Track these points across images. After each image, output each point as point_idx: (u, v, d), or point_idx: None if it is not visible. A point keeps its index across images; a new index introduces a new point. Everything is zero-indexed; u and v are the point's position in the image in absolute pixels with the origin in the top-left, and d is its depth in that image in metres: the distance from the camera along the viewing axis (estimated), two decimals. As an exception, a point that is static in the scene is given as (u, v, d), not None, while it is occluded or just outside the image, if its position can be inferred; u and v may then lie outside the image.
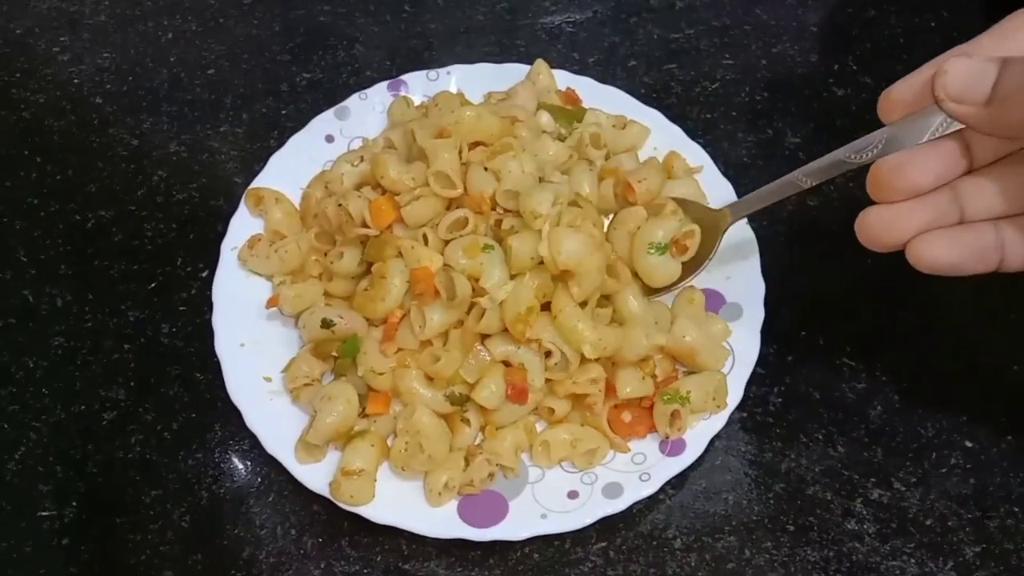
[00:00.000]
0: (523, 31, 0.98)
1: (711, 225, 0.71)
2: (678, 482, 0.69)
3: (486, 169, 0.70)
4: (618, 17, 0.99)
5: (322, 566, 0.68)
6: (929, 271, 0.53)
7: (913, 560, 0.67)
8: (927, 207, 0.53)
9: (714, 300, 0.75)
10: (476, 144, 0.74)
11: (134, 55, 0.97)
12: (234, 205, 0.81)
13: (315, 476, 0.68)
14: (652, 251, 0.69)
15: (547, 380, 0.69)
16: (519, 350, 0.68)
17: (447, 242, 0.69)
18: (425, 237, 0.70)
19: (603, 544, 0.68)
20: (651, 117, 0.84)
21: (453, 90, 0.85)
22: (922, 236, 0.53)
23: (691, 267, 0.71)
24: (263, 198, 0.79)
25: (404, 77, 0.87)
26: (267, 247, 0.76)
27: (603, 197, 0.74)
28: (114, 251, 0.83)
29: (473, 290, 0.67)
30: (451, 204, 0.71)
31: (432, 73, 0.87)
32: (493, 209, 0.70)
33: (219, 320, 0.74)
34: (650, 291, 0.72)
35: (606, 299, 0.71)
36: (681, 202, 0.73)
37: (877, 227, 0.53)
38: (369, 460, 0.67)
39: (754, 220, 0.79)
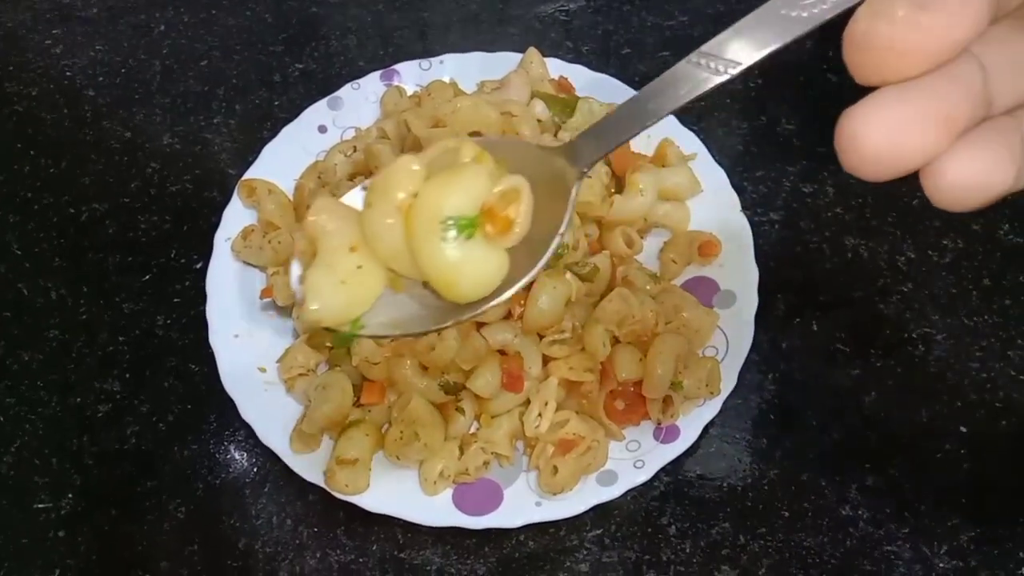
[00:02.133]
0: (516, 20, 0.97)
1: (549, 175, 0.40)
2: (672, 469, 0.69)
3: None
4: (611, 5, 0.99)
5: (318, 555, 0.68)
6: (965, 205, 0.28)
7: (908, 545, 0.67)
8: (951, 91, 0.27)
9: (707, 287, 0.76)
10: (474, 134, 0.74)
11: (127, 47, 0.97)
12: (227, 196, 0.81)
13: (310, 466, 0.68)
14: (448, 235, 0.39)
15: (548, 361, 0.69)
16: (515, 338, 0.68)
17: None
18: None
19: (598, 531, 0.68)
20: (644, 105, 0.84)
21: (446, 79, 0.85)
22: (960, 146, 0.28)
23: (526, 255, 0.41)
24: (256, 189, 0.79)
25: (397, 67, 0.87)
26: (260, 238, 0.76)
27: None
28: (108, 243, 0.83)
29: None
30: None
31: (425, 62, 0.87)
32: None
33: (213, 311, 0.75)
34: (455, 309, 0.42)
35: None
36: (488, 143, 0.43)
37: (875, 138, 0.27)
38: (364, 449, 0.67)
39: (748, 207, 0.79)
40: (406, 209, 0.39)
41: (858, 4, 0.27)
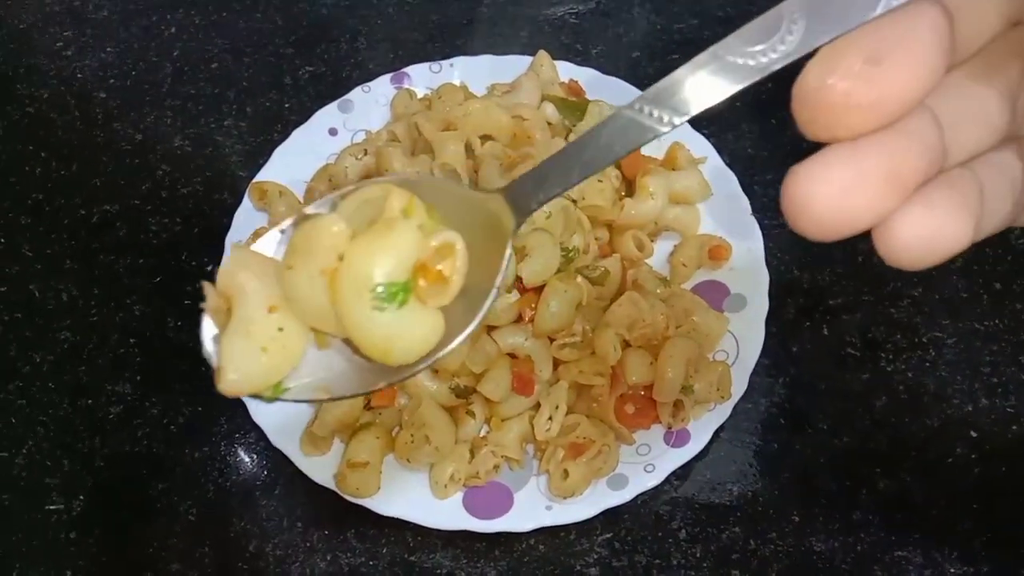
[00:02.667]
0: (526, 22, 0.97)
1: (485, 222, 0.37)
2: (683, 473, 0.69)
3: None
4: (621, 7, 0.98)
5: (328, 558, 0.68)
6: (920, 264, 0.27)
7: (919, 550, 0.67)
8: (902, 147, 0.26)
9: (718, 291, 0.75)
10: (486, 138, 0.74)
11: (137, 49, 0.97)
12: (238, 199, 0.81)
13: (321, 469, 0.68)
14: (379, 304, 0.35)
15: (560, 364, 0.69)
16: (526, 341, 0.68)
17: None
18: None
19: (608, 535, 0.68)
20: (654, 108, 0.84)
21: (456, 82, 0.85)
22: (912, 205, 0.26)
23: (462, 308, 0.37)
24: (267, 192, 0.79)
25: (407, 70, 0.87)
26: (271, 241, 0.76)
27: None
28: (119, 246, 0.83)
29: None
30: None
31: (435, 65, 0.87)
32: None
33: (224, 314, 0.74)
34: (386, 370, 0.38)
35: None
36: (417, 184, 0.38)
37: (824, 199, 0.25)
38: (374, 452, 0.67)
39: (758, 211, 0.79)
40: (331, 273, 0.36)
41: (809, 55, 0.25)
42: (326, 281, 0.36)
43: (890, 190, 0.25)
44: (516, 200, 0.36)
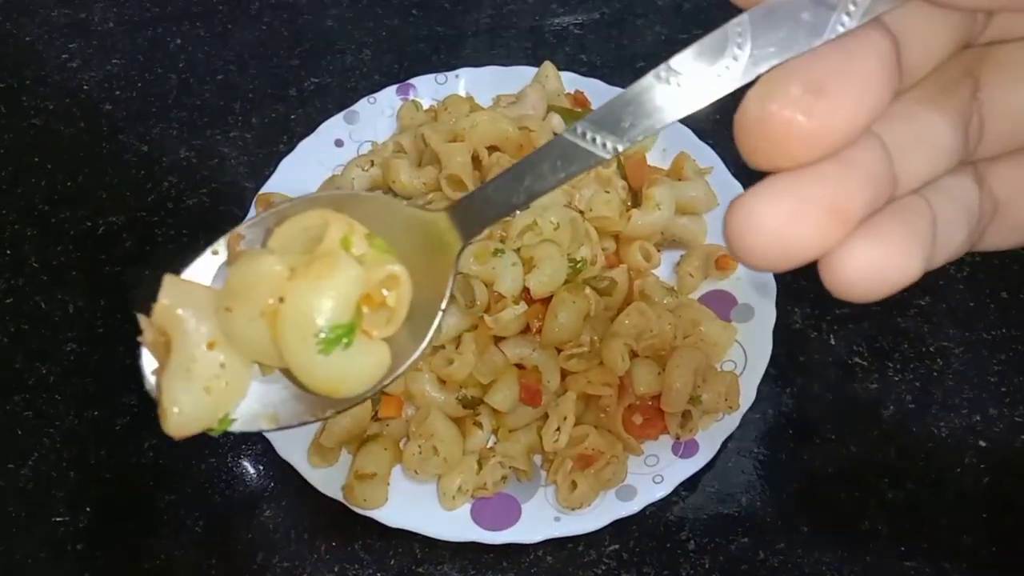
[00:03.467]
0: (530, 33, 0.98)
1: (429, 242, 0.36)
2: (691, 484, 0.69)
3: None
4: (625, 18, 0.99)
5: (335, 570, 0.68)
6: (867, 297, 0.25)
7: (927, 560, 0.67)
8: (845, 178, 0.25)
9: (725, 301, 0.75)
10: (492, 149, 0.74)
11: (143, 61, 0.97)
12: (245, 210, 0.81)
13: (328, 480, 0.68)
14: (322, 347, 0.34)
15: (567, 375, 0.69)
16: (534, 352, 0.68)
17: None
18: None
19: (616, 546, 0.68)
20: (660, 118, 0.84)
21: (462, 93, 0.85)
22: (858, 236, 0.25)
23: (407, 334, 0.36)
24: (274, 203, 0.79)
25: (413, 81, 0.88)
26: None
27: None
28: (125, 257, 0.83)
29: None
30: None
31: (441, 76, 0.88)
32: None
33: (231, 325, 0.74)
34: (336, 401, 0.37)
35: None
36: (359, 201, 0.38)
37: (765, 231, 0.24)
38: (382, 464, 0.67)
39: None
40: (270, 315, 0.35)
41: (750, 84, 0.24)
42: (266, 323, 0.35)
43: (833, 222, 0.24)
44: (461, 220, 0.35)
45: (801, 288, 0.77)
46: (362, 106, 0.87)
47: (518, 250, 0.68)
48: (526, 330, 0.69)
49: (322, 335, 0.34)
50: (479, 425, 0.69)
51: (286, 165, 0.83)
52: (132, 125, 0.92)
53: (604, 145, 0.28)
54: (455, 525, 0.67)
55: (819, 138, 0.23)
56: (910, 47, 0.26)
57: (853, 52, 0.24)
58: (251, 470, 0.72)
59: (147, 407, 0.73)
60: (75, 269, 0.83)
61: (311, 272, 0.34)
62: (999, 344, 0.76)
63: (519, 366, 0.69)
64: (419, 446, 0.67)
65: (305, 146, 0.84)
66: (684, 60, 0.26)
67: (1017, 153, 0.29)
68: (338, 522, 0.69)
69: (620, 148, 0.28)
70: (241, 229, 0.38)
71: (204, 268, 0.38)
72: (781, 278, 0.75)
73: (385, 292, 0.35)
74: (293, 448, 0.69)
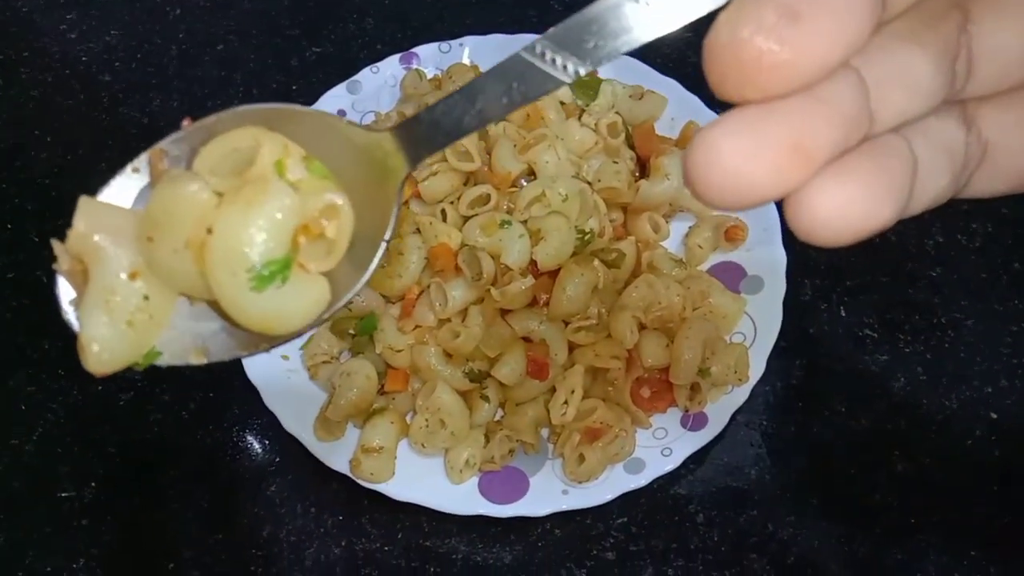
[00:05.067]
0: (535, 1, 0.96)
1: (371, 165, 0.33)
2: (700, 457, 0.69)
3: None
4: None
5: (343, 544, 0.67)
6: (833, 242, 0.24)
7: (938, 533, 0.66)
8: (812, 115, 0.23)
9: (734, 272, 0.74)
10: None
11: (142, 31, 0.96)
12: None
13: (334, 454, 0.67)
14: (256, 284, 0.32)
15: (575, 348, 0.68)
16: (541, 325, 0.67)
17: (466, 218, 0.68)
18: (443, 213, 0.69)
19: (624, 519, 0.68)
20: (668, 87, 0.82)
21: (466, 62, 0.84)
22: (825, 176, 0.24)
23: (348, 265, 0.34)
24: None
25: (416, 50, 0.86)
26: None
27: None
28: (127, 230, 0.82)
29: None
30: (468, 179, 0.70)
31: (444, 45, 0.86)
32: (512, 186, 0.69)
33: (235, 299, 0.74)
34: (267, 337, 0.34)
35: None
36: (294, 115, 0.35)
37: (724, 166, 0.23)
38: (389, 437, 0.67)
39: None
40: (198, 245, 0.31)
41: (721, 8, 0.22)
42: (192, 254, 0.32)
43: (795, 161, 0.22)
44: (407, 142, 0.32)
45: (811, 259, 0.77)
46: (365, 76, 0.85)
47: (525, 222, 0.67)
48: (533, 303, 0.68)
49: (255, 271, 0.31)
50: (486, 398, 0.69)
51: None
52: (132, 96, 0.91)
53: (565, 67, 0.26)
54: (463, 499, 0.66)
55: (792, 69, 0.22)
56: None
57: None
58: (257, 444, 0.72)
59: (151, 382, 0.73)
60: (76, 243, 0.82)
61: (241, 199, 0.31)
62: (1011, 316, 0.75)
63: (526, 339, 0.69)
64: (426, 420, 0.66)
65: (308, 117, 0.83)
66: None
67: (1008, 93, 0.27)
68: (345, 496, 0.69)
69: (581, 71, 0.25)
70: (164, 144, 0.34)
71: (124, 189, 0.34)
72: (792, 249, 0.74)
73: (324, 222, 0.32)
74: (299, 422, 0.68)
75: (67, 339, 0.76)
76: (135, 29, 0.96)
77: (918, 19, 0.25)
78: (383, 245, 0.33)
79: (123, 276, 0.33)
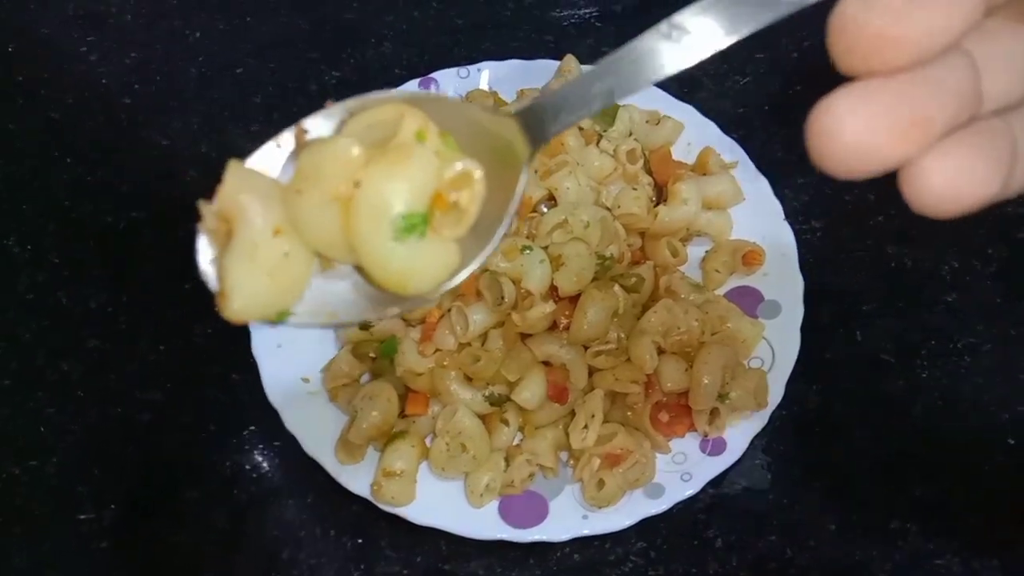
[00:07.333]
0: (551, 25, 0.97)
1: (498, 146, 0.35)
2: (719, 481, 0.69)
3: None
4: (646, 10, 0.98)
5: (362, 567, 0.67)
6: (943, 212, 0.26)
7: (958, 559, 0.66)
8: (931, 90, 0.25)
9: (752, 297, 0.75)
10: None
11: (161, 54, 0.97)
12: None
13: (355, 477, 0.67)
14: (397, 234, 0.34)
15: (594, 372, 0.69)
16: (561, 349, 0.68)
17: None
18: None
19: (643, 544, 0.68)
20: (685, 112, 0.83)
21: (484, 87, 0.85)
22: (939, 150, 0.25)
23: (472, 238, 0.36)
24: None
25: (435, 75, 0.87)
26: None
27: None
28: (147, 252, 0.83)
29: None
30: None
31: (463, 70, 0.87)
32: (532, 211, 0.69)
33: (255, 321, 0.74)
34: (392, 298, 0.37)
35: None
36: (427, 101, 0.36)
37: (849, 134, 0.24)
38: (410, 461, 0.67)
39: (789, 216, 0.78)
40: (344, 200, 0.34)
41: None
42: (338, 208, 0.34)
43: (916, 132, 0.24)
44: (531, 126, 0.34)
45: (827, 284, 0.77)
46: (384, 100, 0.86)
47: (546, 247, 0.68)
48: (553, 327, 0.69)
49: (398, 222, 0.34)
50: (506, 422, 0.69)
51: (308, 160, 0.82)
52: (152, 119, 0.91)
53: (691, 46, 0.27)
54: (483, 523, 0.66)
55: (913, 44, 0.24)
56: None
57: None
58: (277, 467, 0.72)
59: (171, 403, 0.74)
60: (96, 265, 0.82)
61: (386, 158, 0.34)
62: (1028, 340, 0.75)
63: (546, 363, 0.69)
64: (447, 443, 0.67)
65: (327, 140, 0.84)
66: None
67: None
68: (364, 519, 0.69)
69: (705, 54, 0.27)
70: (306, 123, 0.37)
71: (266, 160, 0.37)
72: (808, 275, 0.74)
73: (455, 194, 0.35)
74: (320, 445, 0.69)
75: (87, 361, 0.77)
76: (154, 52, 0.97)
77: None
78: (507, 219, 0.35)
79: (268, 232, 0.35)
